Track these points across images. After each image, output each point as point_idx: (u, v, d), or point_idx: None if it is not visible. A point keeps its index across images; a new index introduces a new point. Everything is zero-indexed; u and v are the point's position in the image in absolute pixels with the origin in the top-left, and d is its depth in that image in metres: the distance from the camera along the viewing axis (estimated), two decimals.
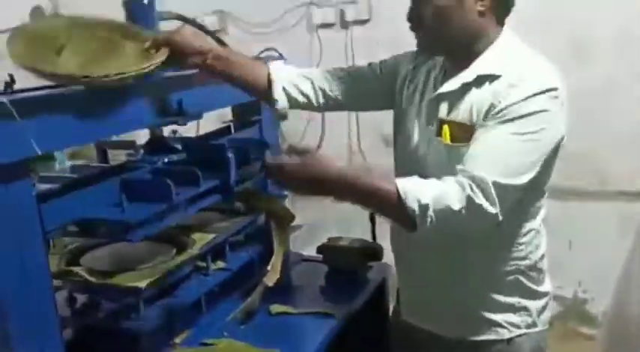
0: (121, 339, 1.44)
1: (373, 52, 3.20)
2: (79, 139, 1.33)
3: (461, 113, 1.30)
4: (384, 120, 3.37)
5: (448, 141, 1.31)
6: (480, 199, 1.15)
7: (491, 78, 1.27)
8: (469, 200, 1.15)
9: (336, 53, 3.08)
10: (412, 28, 1.34)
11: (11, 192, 1.13)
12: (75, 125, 1.26)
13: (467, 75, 1.31)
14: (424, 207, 1.16)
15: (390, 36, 3.08)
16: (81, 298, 1.53)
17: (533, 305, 1.39)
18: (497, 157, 1.20)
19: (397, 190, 1.17)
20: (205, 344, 1.53)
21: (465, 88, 1.31)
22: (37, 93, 1.21)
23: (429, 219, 1.16)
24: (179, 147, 1.68)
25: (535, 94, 1.20)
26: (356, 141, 3.13)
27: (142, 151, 1.65)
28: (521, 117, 1.20)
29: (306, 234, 2.62)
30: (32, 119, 1.14)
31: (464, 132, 1.28)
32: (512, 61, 1.28)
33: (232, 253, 1.79)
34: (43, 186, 1.38)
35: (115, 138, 1.80)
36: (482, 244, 1.32)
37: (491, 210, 1.16)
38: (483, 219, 1.17)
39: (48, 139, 1.17)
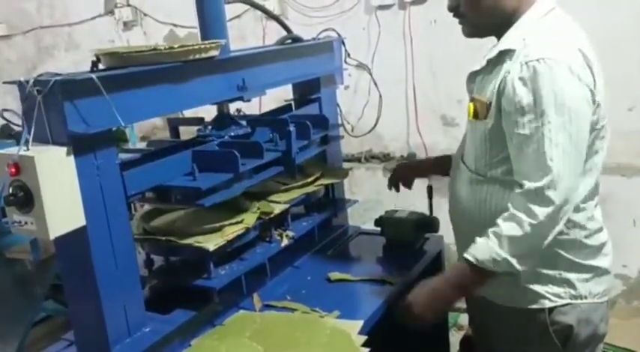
0: (192, 297, 1.57)
1: (431, 32, 3.22)
2: (156, 112, 1.47)
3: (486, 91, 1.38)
4: (442, 99, 3.38)
5: (471, 118, 1.42)
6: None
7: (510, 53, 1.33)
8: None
9: (394, 34, 3.12)
10: (454, 16, 1.45)
11: (99, 159, 1.28)
12: (153, 99, 1.40)
13: (492, 52, 1.38)
14: (503, 261, 1.30)
15: (447, 15, 3.08)
16: (157, 260, 1.68)
17: (576, 277, 1.41)
18: None
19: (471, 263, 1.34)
20: (268, 306, 1.65)
21: (492, 65, 1.38)
22: (119, 72, 1.34)
23: (514, 261, 1.30)
24: (244, 122, 1.79)
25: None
26: (414, 119, 3.16)
27: (210, 127, 1.76)
28: None
29: (363, 209, 2.68)
30: (116, 94, 1.28)
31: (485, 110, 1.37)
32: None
33: (294, 222, 1.89)
34: (125, 157, 1.51)
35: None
36: None
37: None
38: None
39: (129, 112, 1.31)
